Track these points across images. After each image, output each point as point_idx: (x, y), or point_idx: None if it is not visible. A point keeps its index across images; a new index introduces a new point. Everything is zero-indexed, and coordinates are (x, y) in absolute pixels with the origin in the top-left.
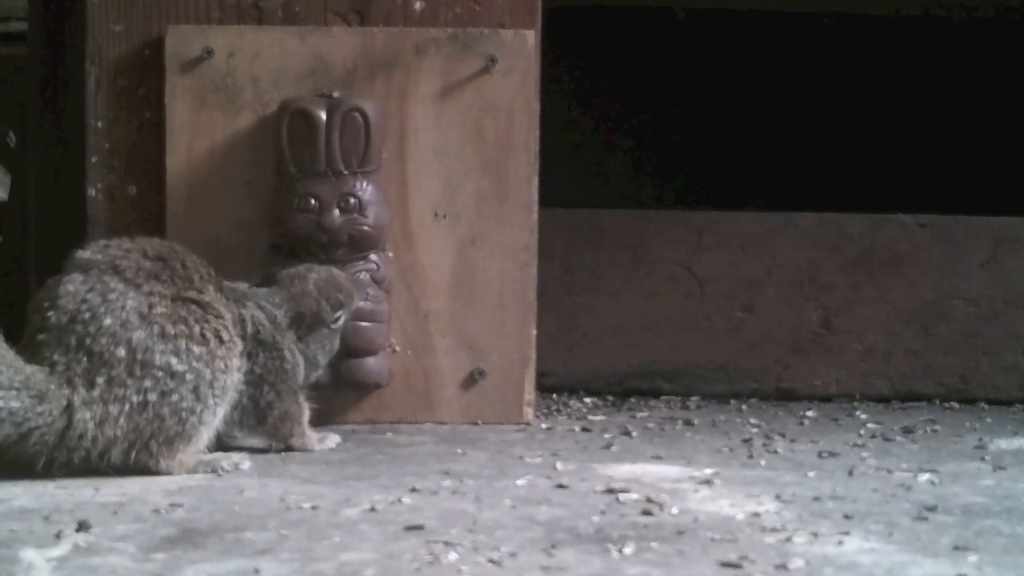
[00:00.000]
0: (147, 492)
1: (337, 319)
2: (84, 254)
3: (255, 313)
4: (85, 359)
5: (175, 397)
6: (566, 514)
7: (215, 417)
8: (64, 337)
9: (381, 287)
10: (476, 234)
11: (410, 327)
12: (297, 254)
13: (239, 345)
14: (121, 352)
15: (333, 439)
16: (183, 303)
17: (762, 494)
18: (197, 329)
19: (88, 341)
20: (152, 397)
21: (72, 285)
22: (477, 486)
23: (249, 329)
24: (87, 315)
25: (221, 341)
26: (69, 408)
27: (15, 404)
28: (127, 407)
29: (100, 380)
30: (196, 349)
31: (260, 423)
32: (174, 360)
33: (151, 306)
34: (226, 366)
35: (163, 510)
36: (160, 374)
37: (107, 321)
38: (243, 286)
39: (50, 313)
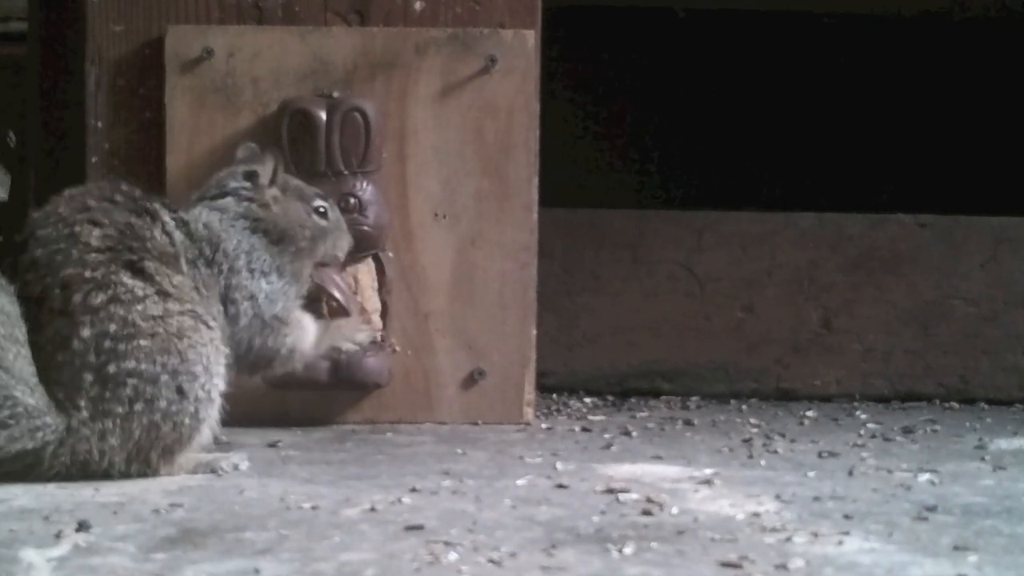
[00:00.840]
0: (147, 492)
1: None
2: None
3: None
4: (61, 390)
5: (163, 403)
6: (566, 514)
7: (214, 405)
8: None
9: (382, 287)
10: (476, 234)
11: (410, 327)
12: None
13: (188, 288)
14: (88, 377)
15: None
16: (104, 292)
17: (762, 494)
18: (133, 317)
19: (53, 375)
20: (137, 407)
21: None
22: (477, 486)
23: (197, 228)
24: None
25: (166, 313)
26: (71, 430)
27: (31, 401)
28: (118, 420)
29: (83, 403)
30: (144, 343)
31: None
32: (131, 363)
33: (78, 325)
34: (193, 338)
35: (163, 510)
36: (132, 381)
37: (59, 358)
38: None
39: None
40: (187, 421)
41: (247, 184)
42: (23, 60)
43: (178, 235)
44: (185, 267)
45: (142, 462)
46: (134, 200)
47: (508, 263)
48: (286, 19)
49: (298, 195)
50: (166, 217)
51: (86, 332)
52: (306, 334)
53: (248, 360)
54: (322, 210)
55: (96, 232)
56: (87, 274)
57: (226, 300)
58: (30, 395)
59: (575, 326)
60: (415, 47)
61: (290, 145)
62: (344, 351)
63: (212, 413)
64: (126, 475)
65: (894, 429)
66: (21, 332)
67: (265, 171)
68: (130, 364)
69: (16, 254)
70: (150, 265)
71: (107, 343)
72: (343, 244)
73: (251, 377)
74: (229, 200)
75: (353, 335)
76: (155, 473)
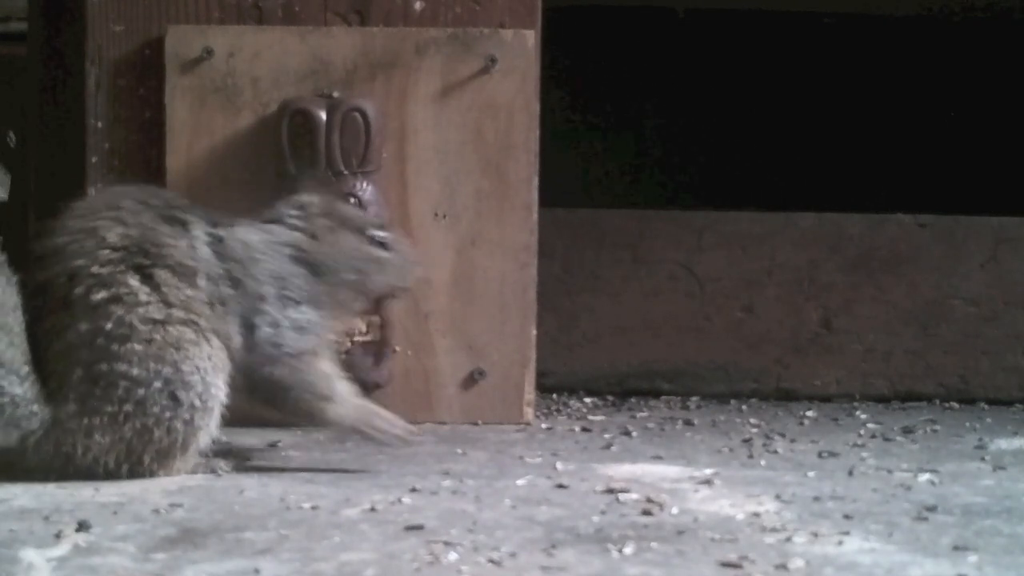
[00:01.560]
0: (147, 492)
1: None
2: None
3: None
4: (53, 381)
5: (155, 408)
6: (566, 514)
7: (211, 414)
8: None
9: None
10: (476, 234)
11: (410, 327)
12: None
13: (196, 301)
14: (79, 372)
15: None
16: (106, 290)
17: (762, 494)
18: (131, 319)
19: (49, 366)
20: (127, 408)
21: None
22: (477, 486)
23: (233, 247)
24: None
25: (167, 324)
26: (56, 421)
27: (18, 391)
28: (106, 419)
29: (71, 396)
30: (138, 347)
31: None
32: (123, 366)
33: (76, 319)
34: (190, 351)
35: (163, 510)
36: (123, 383)
37: (55, 347)
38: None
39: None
40: (180, 427)
41: (296, 213)
42: (23, 60)
43: (205, 250)
44: (203, 282)
45: (135, 463)
46: (170, 207)
47: (508, 263)
48: (286, 19)
49: (352, 226)
50: (198, 231)
51: (83, 326)
52: (336, 399)
53: (260, 391)
54: (380, 240)
55: (118, 230)
56: (94, 269)
57: (246, 324)
58: (18, 385)
59: (575, 326)
60: (415, 47)
61: (290, 145)
62: (371, 434)
63: (209, 421)
64: (116, 475)
65: (894, 429)
66: (16, 321)
67: (315, 201)
68: (122, 367)
69: (43, 239)
70: (160, 274)
71: (100, 340)
72: (408, 274)
73: (263, 408)
74: (279, 227)
75: (391, 426)
76: (149, 475)
